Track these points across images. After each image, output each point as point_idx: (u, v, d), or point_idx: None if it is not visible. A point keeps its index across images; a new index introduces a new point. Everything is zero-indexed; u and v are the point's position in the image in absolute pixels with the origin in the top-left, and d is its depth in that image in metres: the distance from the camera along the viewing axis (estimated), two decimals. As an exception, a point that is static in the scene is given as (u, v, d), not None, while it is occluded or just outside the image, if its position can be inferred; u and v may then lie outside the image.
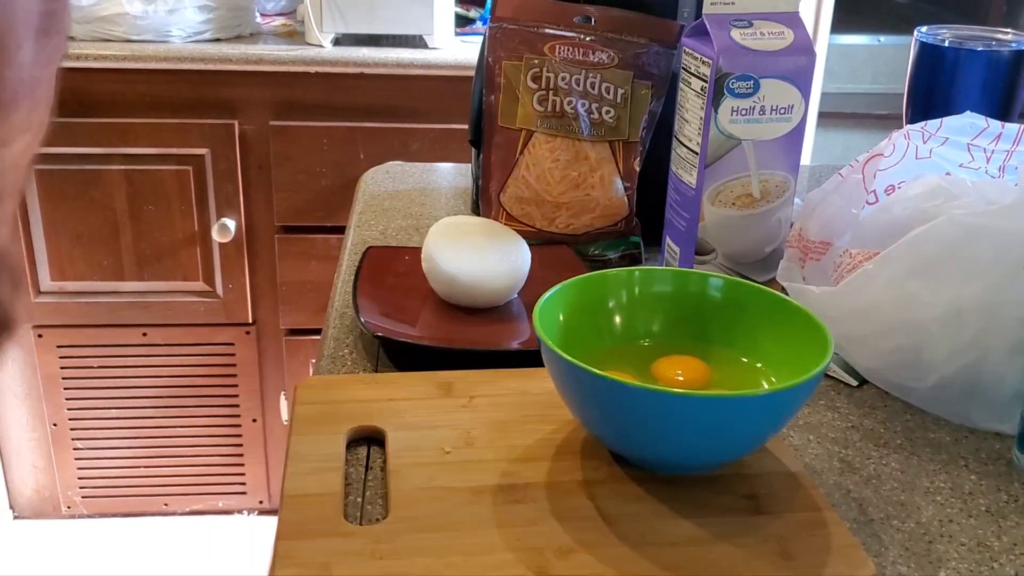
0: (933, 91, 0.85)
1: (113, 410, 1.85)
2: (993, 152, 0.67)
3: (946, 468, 0.56)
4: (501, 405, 0.57)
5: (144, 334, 1.80)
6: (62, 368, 1.82)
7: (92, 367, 1.82)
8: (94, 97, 1.65)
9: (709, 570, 0.45)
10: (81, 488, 1.92)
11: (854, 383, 0.65)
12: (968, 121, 0.68)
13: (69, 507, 1.93)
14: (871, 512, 0.52)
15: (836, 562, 0.46)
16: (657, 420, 0.47)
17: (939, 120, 0.68)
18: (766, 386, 0.54)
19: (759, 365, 0.56)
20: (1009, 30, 0.83)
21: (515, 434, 0.55)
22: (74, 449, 1.88)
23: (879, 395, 0.64)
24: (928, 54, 0.84)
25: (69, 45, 1.61)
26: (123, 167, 1.68)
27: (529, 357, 0.62)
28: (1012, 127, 0.68)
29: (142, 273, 1.76)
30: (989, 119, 0.68)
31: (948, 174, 0.64)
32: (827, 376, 0.66)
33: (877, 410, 0.63)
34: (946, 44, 0.83)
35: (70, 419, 1.85)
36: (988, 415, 0.60)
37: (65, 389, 1.83)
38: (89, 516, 1.94)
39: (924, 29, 0.85)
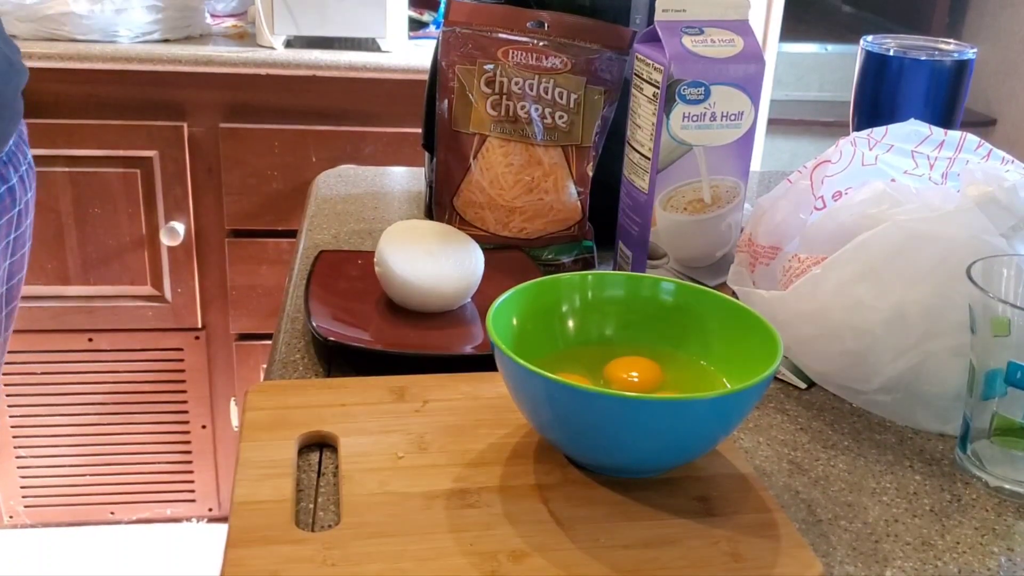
0: (878, 99, 0.86)
1: (57, 417, 1.81)
2: (936, 159, 0.68)
3: (892, 469, 0.58)
4: (454, 410, 0.57)
5: (90, 339, 1.77)
6: (4, 375, 1.77)
7: (35, 373, 1.78)
8: (38, 97, 1.61)
9: (661, 572, 0.45)
10: (24, 497, 1.87)
11: (803, 386, 0.66)
12: (912, 128, 0.70)
13: (11, 517, 1.88)
14: (819, 513, 0.53)
15: (786, 563, 0.46)
16: (609, 423, 0.47)
17: (884, 127, 0.70)
18: (717, 389, 0.55)
19: (711, 368, 0.57)
20: (951, 40, 0.85)
21: (468, 438, 0.55)
22: (16, 458, 1.84)
23: (827, 397, 0.65)
24: (874, 63, 0.86)
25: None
26: (68, 168, 1.65)
27: (482, 361, 0.62)
28: (954, 134, 0.69)
29: (88, 277, 1.72)
30: (932, 127, 0.70)
31: (893, 180, 0.65)
32: (776, 379, 0.67)
33: (825, 412, 0.64)
34: (891, 53, 0.84)
35: (12, 427, 1.81)
36: (932, 417, 0.61)
37: (7, 396, 1.79)
38: (32, 526, 1.90)
39: (870, 39, 0.86)
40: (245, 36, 1.78)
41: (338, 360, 0.66)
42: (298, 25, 1.66)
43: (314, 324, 0.65)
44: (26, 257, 1.03)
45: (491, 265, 0.74)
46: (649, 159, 0.74)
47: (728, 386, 0.55)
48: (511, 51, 0.80)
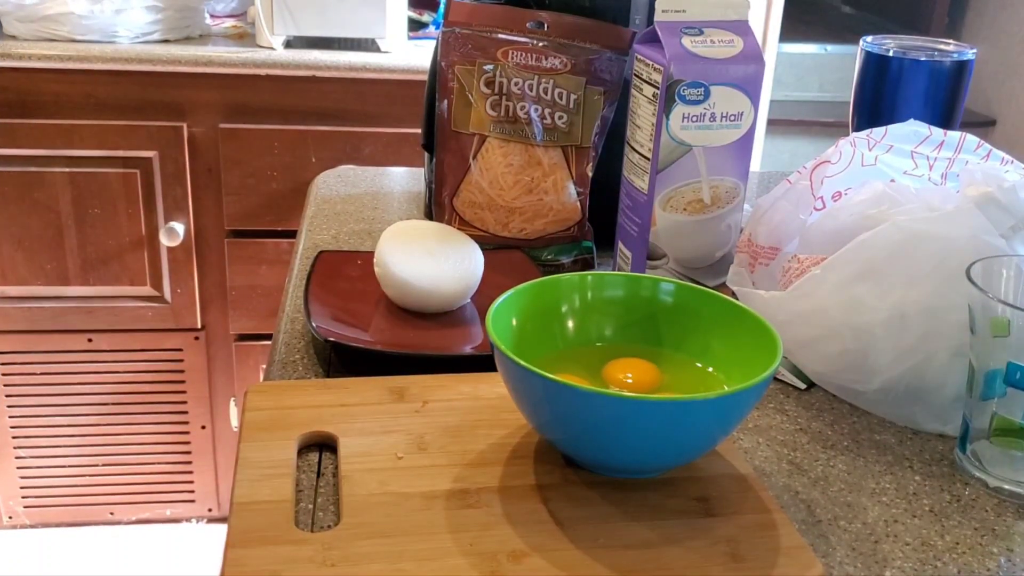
0: (878, 99, 0.86)
1: (57, 417, 1.81)
2: (936, 159, 0.68)
3: (891, 469, 0.58)
4: (454, 410, 0.57)
5: (89, 340, 1.77)
6: (4, 375, 1.77)
7: (35, 374, 1.78)
8: (37, 97, 1.62)
9: (661, 572, 0.45)
10: (24, 498, 1.87)
11: (802, 386, 0.66)
12: (912, 129, 0.70)
13: (11, 517, 1.88)
14: (819, 513, 0.53)
15: (785, 563, 0.46)
16: (608, 423, 0.47)
17: (884, 128, 0.70)
18: (716, 390, 0.55)
19: (710, 369, 0.57)
20: (951, 41, 0.85)
21: (468, 439, 0.55)
22: (16, 458, 1.83)
23: (826, 398, 0.65)
24: (874, 63, 0.86)
25: (12, 44, 1.58)
26: (67, 169, 1.65)
27: (482, 361, 0.62)
28: (954, 135, 0.69)
29: (87, 277, 1.72)
30: (932, 127, 0.70)
31: (892, 181, 0.65)
32: (776, 379, 0.67)
33: (824, 413, 0.64)
34: (891, 54, 0.84)
35: (12, 427, 1.81)
36: (931, 417, 0.61)
37: (7, 396, 1.79)
38: (32, 526, 1.90)
39: (870, 39, 0.86)
40: (245, 36, 1.78)
41: (338, 360, 0.66)
42: (298, 25, 1.66)
43: (314, 324, 0.65)
44: None
45: (491, 265, 0.74)
46: (649, 159, 0.74)
47: (727, 387, 0.55)
48: (511, 51, 0.80)
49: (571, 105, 0.81)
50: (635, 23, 0.83)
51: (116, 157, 1.66)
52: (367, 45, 1.74)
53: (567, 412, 0.48)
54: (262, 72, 1.63)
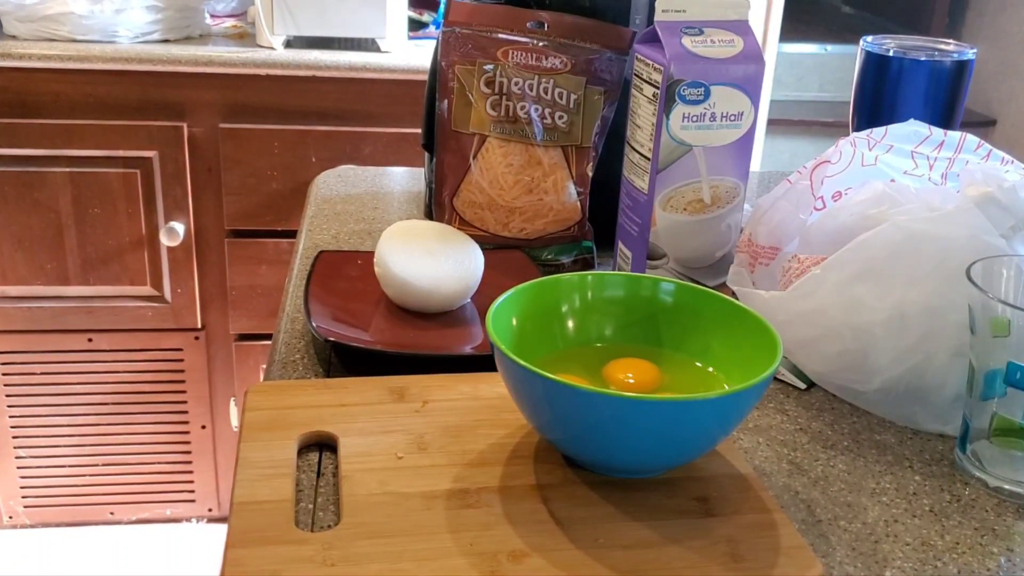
0: (878, 99, 0.86)
1: (57, 417, 1.81)
2: (936, 159, 0.68)
3: (891, 469, 0.58)
4: (454, 410, 0.57)
5: (89, 340, 1.77)
6: (4, 375, 1.77)
7: (35, 373, 1.78)
8: (37, 98, 1.62)
9: (661, 572, 0.45)
10: (24, 497, 1.87)
11: (802, 386, 0.66)
12: (912, 129, 0.70)
13: (11, 517, 1.88)
14: (819, 513, 0.53)
15: (785, 563, 0.46)
16: (608, 423, 0.47)
17: (884, 128, 0.70)
18: (716, 390, 0.55)
19: (710, 369, 0.57)
20: (951, 41, 0.85)
21: (468, 439, 0.55)
22: (16, 458, 1.84)
23: (827, 398, 0.65)
24: (874, 63, 0.86)
25: (12, 44, 1.58)
26: (68, 169, 1.65)
27: (482, 361, 0.62)
28: (954, 135, 0.69)
29: (87, 277, 1.72)
30: (932, 127, 0.70)
31: (893, 181, 0.65)
32: (776, 379, 0.67)
33: (825, 413, 0.64)
34: (891, 54, 0.84)
35: (12, 427, 1.81)
36: (932, 417, 0.61)
37: (7, 396, 1.79)
38: (32, 526, 1.90)
39: (870, 39, 0.86)
40: (245, 36, 1.78)
41: (338, 360, 0.66)
42: (298, 25, 1.66)
43: (314, 324, 0.65)
44: None
45: (491, 265, 0.74)
46: (649, 159, 0.74)
47: (727, 387, 0.55)
48: (511, 51, 0.80)
49: (571, 105, 0.81)
50: (635, 23, 0.83)
51: (116, 157, 1.66)
52: (367, 45, 1.74)
53: (567, 412, 0.48)
54: (262, 72, 1.63)
